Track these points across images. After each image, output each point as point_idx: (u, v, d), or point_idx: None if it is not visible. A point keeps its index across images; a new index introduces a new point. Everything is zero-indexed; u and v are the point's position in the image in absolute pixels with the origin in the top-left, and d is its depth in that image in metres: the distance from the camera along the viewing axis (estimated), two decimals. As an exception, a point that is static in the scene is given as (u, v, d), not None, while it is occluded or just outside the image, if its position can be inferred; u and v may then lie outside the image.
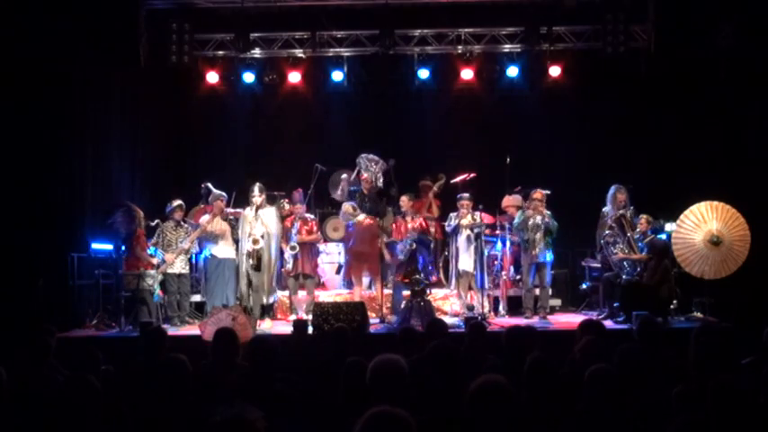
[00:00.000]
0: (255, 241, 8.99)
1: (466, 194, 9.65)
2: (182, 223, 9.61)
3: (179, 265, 9.46)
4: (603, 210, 9.69)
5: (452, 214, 9.69)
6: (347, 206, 9.61)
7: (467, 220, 9.45)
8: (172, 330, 8.70)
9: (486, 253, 9.69)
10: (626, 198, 9.44)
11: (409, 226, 9.69)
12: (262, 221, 9.10)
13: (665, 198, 10.07)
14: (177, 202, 9.61)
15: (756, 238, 8.91)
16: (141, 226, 9.36)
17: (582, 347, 4.61)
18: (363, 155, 9.99)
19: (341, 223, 10.52)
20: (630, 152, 11.16)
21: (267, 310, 9.36)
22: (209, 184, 9.73)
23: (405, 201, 9.94)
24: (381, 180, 10.00)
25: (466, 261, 9.43)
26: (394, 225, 10.07)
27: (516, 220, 9.67)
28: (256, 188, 9.23)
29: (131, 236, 9.30)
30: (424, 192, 11.08)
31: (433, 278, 10.05)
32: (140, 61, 10.86)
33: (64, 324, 8.37)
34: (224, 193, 9.62)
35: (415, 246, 9.57)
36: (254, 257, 8.99)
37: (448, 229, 9.70)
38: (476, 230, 9.47)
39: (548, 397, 3.83)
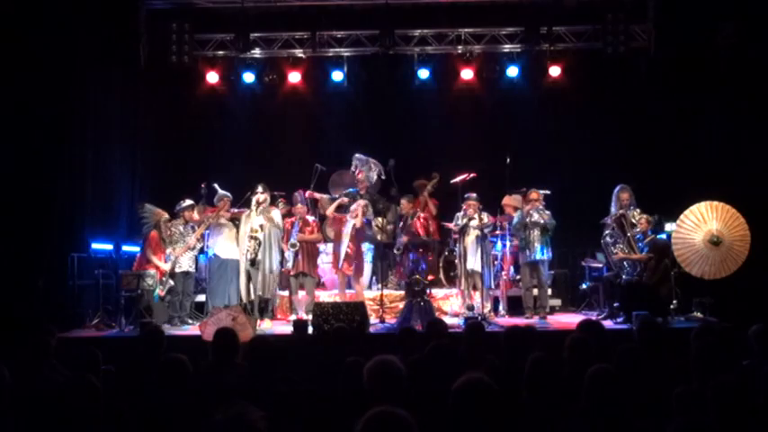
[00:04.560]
0: (254, 230, 9.01)
1: (473, 195, 9.64)
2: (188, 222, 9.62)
3: (186, 263, 9.47)
4: (612, 210, 9.65)
5: (458, 214, 9.67)
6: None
7: (476, 222, 9.45)
8: (172, 330, 8.71)
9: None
10: (630, 198, 9.43)
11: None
12: (264, 216, 9.13)
13: (665, 198, 10.06)
14: (188, 202, 9.60)
15: (756, 238, 8.90)
16: (158, 229, 9.30)
17: (568, 346, 4.60)
18: (356, 155, 10.15)
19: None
20: (630, 152, 11.16)
21: (267, 311, 9.37)
22: (216, 185, 9.74)
23: (404, 204, 10.09)
24: (375, 179, 10.15)
25: (474, 261, 9.44)
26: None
27: (515, 221, 9.68)
28: (260, 186, 9.26)
29: (146, 237, 9.32)
30: (419, 191, 11.08)
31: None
32: (140, 61, 10.88)
33: (64, 324, 8.36)
34: (228, 194, 9.62)
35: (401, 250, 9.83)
36: (252, 249, 9.00)
37: (455, 228, 9.69)
38: (485, 230, 9.49)
39: (548, 397, 3.82)
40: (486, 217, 9.57)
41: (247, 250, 9.03)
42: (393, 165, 10.50)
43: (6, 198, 8.87)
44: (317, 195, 10.37)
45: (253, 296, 9.04)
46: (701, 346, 4.36)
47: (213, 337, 5.07)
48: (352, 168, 10.13)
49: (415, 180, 10.97)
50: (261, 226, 9.08)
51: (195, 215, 9.60)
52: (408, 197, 10.23)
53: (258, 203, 9.15)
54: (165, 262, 9.26)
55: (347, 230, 9.52)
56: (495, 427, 3.10)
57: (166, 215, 9.42)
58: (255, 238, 9.01)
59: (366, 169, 10.01)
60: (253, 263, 9.00)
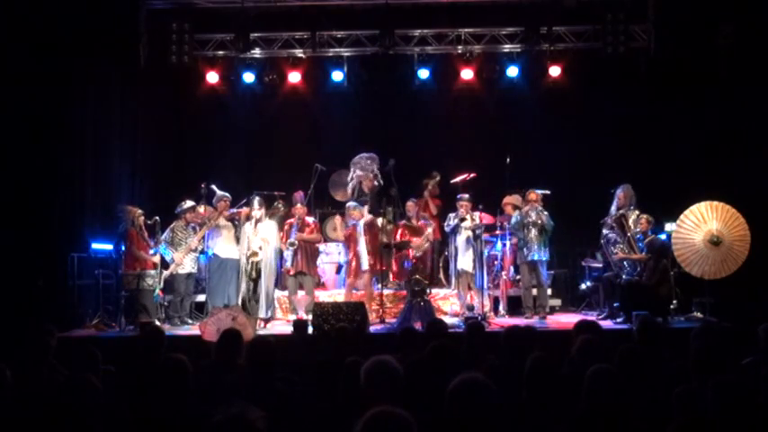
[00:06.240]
0: (254, 254, 9.02)
1: (466, 195, 9.65)
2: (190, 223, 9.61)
3: (189, 265, 9.48)
4: (612, 210, 9.65)
5: (451, 215, 9.70)
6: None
7: (468, 222, 9.45)
8: (172, 330, 8.71)
9: (485, 253, 9.72)
10: (626, 197, 9.42)
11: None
12: (261, 236, 9.13)
13: (665, 198, 10.06)
14: (190, 204, 9.60)
15: (756, 238, 8.91)
16: (134, 225, 9.27)
17: (578, 347, 4.60)
18: (355, 159, 10.15)
19: (340, 223, 10.57)
20: (630, 152, 11.15)
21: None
22: (214, 186, 9.74)
23: (410, 206, 10.14)
24: (378, 175, 10.18)
25: (465, 261, 9.44)
26: (398, 228, 10.21)
27: (513, 221, 9.69)
28: (256, 201, 9.27)
29: (125, 236, 9.31)
30: (422, 191, 11.12)
31: None
32: (140, 61, 10.86)
33: (64, 324, 8.35)
34: (227, 194, 9.62)
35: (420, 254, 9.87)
36: (254, 271, 9.02)
37: (447, 229, 9.71)
38: (477, 231, 9.49)
39: (548, 397, 3.82)
40: (477, 217, 9.58)
41: (248, 269, 9.04)
42: (393, 165, 10.52)
43: (6, 198, 8.87)
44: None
45: (252, 305, 9.07)
46: (700, 346, 4.36)
47: (218, 338, 5.07)
48: (358, 172, 10.21)
49: (416, 180, 11.00)
50: (260, 247, 9.08)
51: (202, 210, 9.59)
52: (414, 200, 10.32)
53: (257, 221, 9.15)
54: (152, 255, 9.24)
55: (362, 232, 9.52)
56: (493, 427, 3.10)
57: (140, 211, 9.39)
58: (255, 255, 9.02)
59: (370, 169, 10.05)
60: (254, 281, 9.04)
